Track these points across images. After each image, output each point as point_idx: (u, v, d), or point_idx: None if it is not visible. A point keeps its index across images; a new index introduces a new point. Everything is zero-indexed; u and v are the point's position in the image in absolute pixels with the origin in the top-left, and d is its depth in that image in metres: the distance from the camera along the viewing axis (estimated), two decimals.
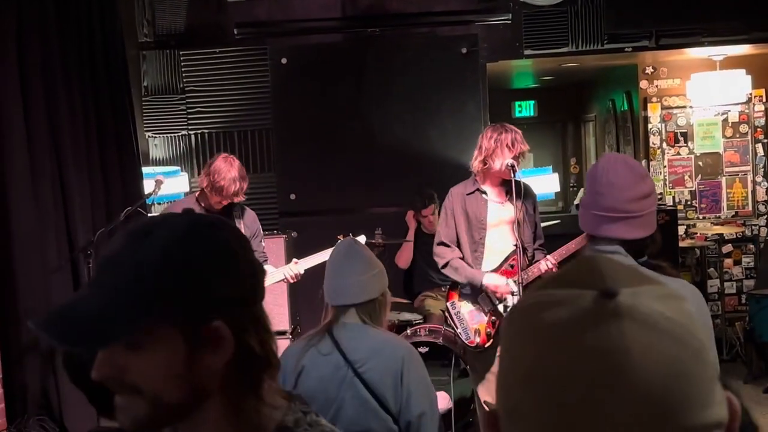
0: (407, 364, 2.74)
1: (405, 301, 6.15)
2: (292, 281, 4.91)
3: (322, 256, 4.96)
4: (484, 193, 4.67)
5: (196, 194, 4.94)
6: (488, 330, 4.67)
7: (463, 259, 4.73)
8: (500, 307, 4.60)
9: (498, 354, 4.54)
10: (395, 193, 7.15)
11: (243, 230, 4.83)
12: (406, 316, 6.16)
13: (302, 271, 4.89)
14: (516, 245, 4.35)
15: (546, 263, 4.46)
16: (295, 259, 4.92)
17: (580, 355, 0.71)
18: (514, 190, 4.44)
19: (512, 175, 4.43)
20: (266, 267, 4.93)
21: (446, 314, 4.91)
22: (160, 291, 1.12)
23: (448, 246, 4.76)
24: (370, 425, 2.67)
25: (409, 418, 2.69)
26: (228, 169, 4.67)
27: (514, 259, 4.60)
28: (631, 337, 0.71)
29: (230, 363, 1.16)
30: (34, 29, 4.91)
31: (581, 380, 0.71)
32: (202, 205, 4.80)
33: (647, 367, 0.70)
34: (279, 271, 4.89)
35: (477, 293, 4.70)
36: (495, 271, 4.63)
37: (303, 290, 6.39)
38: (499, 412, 0.79)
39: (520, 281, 4.31)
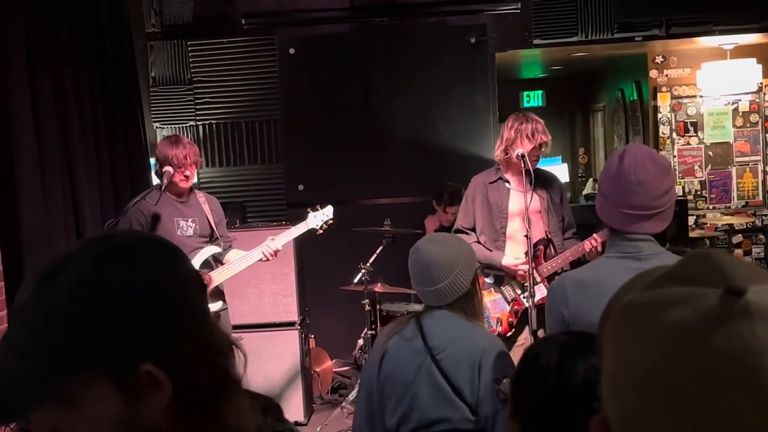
0: (487, 357, 2.66)
1: (414, 291, 6.12)
2: (270, 258, 4.87)
3: (298, 230, 5.02)
4: (507, 182, 4.65)
5: (160, 187, 4.74)
6: (510, 320, 4.67)
7: (478, 242, 4.72)
8: (523, 298, 4.58)
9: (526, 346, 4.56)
10: (403, 183, 7.14)
11: (210, 215, 4.88)
12: (415, 306, 6.16)
13: (280, 247, 4.87)
14: (527, 235, 4.32)
15: (591, 241, 4.42)
16: (270, 236, 4.91)
17: (707, 357, 0.67)
18: (524, 178, 4.41)
19: (523, 165, 4.40)
20: (236, 252, 4.99)
21: None
22: (75, 343, 0.99)
23: (465, 232, 4.76)
24: (447, 414, 2.64)
25: (487, 412, 2.63)
26: (170, 142, 4.77)
27: (539, 249, 4.60)
28: (764, 338, 0.66)
29: (174, 400, 1.04)
30: (42, 20, 4.89)
31: (709, 385, 0.66)
32: (169, 193, 4.76)
33: None
34: (256, 250, 4.86)
35: (500, 283, 4.70)
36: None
37: (311, 281, 6.40)
38: (609, 417, 0.75)
39: (530, 272, 4.28)
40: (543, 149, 4.60)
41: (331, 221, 5.10)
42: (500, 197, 4.65)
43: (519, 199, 4.55)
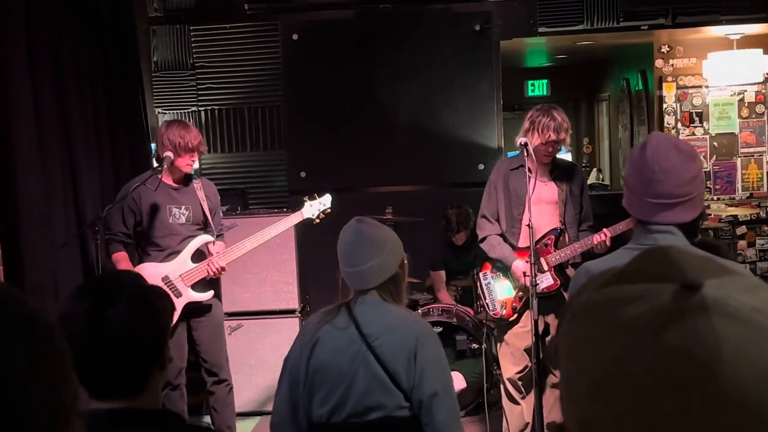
0: (422, 342, 2.69)
1: (415, 280, 6.11)
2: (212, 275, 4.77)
3: (293, 219, 4.99)
4: (529, 170, 4.64)
5: (157, 173, 4.68)
6: (514, 305, 4.71)
7: (502, 235, 4.72)
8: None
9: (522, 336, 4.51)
10: (406, 171, 7.11)
11: (204, 203, 4.84)
12: (416, 295, 6.14)
13: (224, 265, 4.76)
14: (529, 225, 4.30)
15: (600, 235, 4.43)
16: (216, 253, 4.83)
17: (664, 356, 0.64)
18: (527, 169, 4.39)
19: (525, 154, 4.38)
20: (220, 243, 4.93)
21: (476, 284, 4.90)
22: None
23: (489, 221, 4.77)
24: (382, 400, 2.64)
25: (420, 397, 2.65)
26: (181, 126, 4.70)
27: (549, 239, 4.60)
28: (722, 334, 0.63)
29: None
30: (41, 4, 4.85)
31: (667, 384, 0.64)
32: (166, 180, 4.72)
33: (741, 366, 0.63)
34: (253, 238, 4.82)
35: (509, 268, 4.71)
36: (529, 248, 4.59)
37: (312, 269, 6.37)
38: (567, 424, 0.72)
39: (532, 261, 4.25)
40: (558, 147, 4.59)
41: (329, 210, 5.03)
42: (520, 185, 4.63)
43: (539, 187, 4.53)
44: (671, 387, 0.63)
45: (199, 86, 7.30)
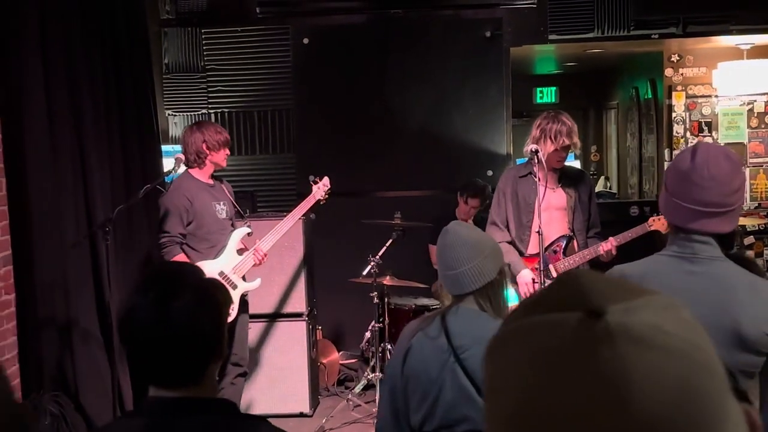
0: None
1: (423, 285, 6.12)
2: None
3: (308, 203, 5.31)
4: (537, 177, 4.66)
5: (191, 171, 5.05)
6: None
7: (512, 242, 4.73)
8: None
9: None
10: (415, 176, 7.13)
11: (229, 198, 5.15)
12: (424, 300, 6.14)
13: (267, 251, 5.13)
14: (539, 231, 4.32)
15: (606, 244, 4.47)
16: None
17: (571, 386, 0.62)
18: (538, 175, 4.41)
19: (536, 161, 4.41)
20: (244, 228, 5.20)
21: None
22: None
23: (498, 228, 4.79)
24: (469, 413, 2.61)
25: None
26: (210, 123, 5.13)
27: (558, 245, 4.62)
28: (629, 360, 0.61)
29: None
30: (55, 5, 4.88)
31: (576, 416, 0.61)
32: (201, 179, 5.02)
33: (651, 392, 0.60)
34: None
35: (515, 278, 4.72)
36: (538, 255, 4.60)
37: (319, 272, 6.39)
38: None
39: (541, 267, 4.27)
40: (569, 151, 4.62)
41: (330, 190, 5.36)
42: (529, 191, 4.65)
43: (548, 194, 4.55)
44: (582, 421, 0.61)
45: (209, 89, 7.33)
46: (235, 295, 4.98)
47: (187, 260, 4.87)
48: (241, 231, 5.10)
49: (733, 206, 2.19)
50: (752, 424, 0.68)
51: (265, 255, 5.07)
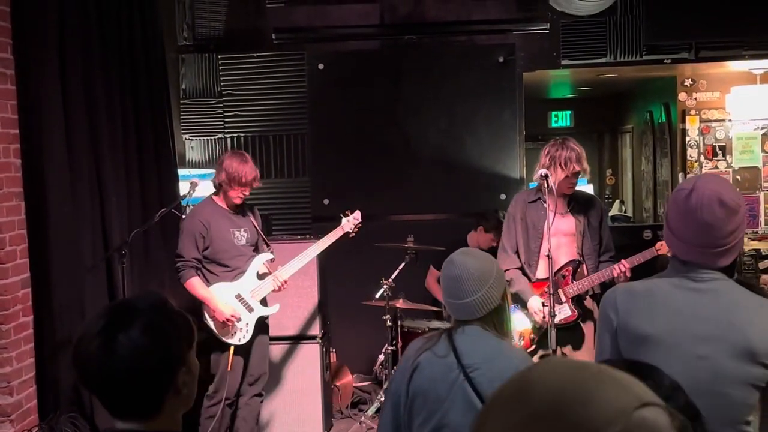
0: None
1: (435, 308, 6.14)
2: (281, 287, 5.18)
3: (335, 234, 5.33)
4: (546, 203, 4.69)
5: (214, 196, 5.15)
6: (532, 336, 4.75)
7: (521, 268, 4.76)
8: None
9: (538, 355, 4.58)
10: (428, 200, 7.17)
11: (257, 225, 5.23)
12: (437, 323, 6.16)
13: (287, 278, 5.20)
14: (548, 255, 4.34)
15: (620, 267, 4.49)
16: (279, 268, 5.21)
17: None
18: (547, 198, 4.45)
19: (546, 185, 4.44)
20: (267, 254, 5.27)
21: None
22: None
23: (508, 254, 4.84)
24: None
25: None
26: (240, 159, 4.99)
27: (567, 270, 4.64)
28: None
29: None
30: (75, 32, 4.97)
31: None
32: (222, 205, 5.08)
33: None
34: (303, 257, 5.22)
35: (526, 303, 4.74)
36: (547, 279, 4.62)
37: (333, 296, 6.42)
38: None
39: (551, 291, 4.29)
40: (580, 176, 4.65)
41: (360, 224, 5.40)
42: (538, 217, 4.69)
43: (556, 220, 4.57)
44: None
45: (225, 113, 7.41)
46: (251, 318, 5.07)
47: (202, 284, 4.95)
48: (263, 256, 5.19)
49: (730, 245, 2.23)
50: None
51: (285, 282, 5.13)
